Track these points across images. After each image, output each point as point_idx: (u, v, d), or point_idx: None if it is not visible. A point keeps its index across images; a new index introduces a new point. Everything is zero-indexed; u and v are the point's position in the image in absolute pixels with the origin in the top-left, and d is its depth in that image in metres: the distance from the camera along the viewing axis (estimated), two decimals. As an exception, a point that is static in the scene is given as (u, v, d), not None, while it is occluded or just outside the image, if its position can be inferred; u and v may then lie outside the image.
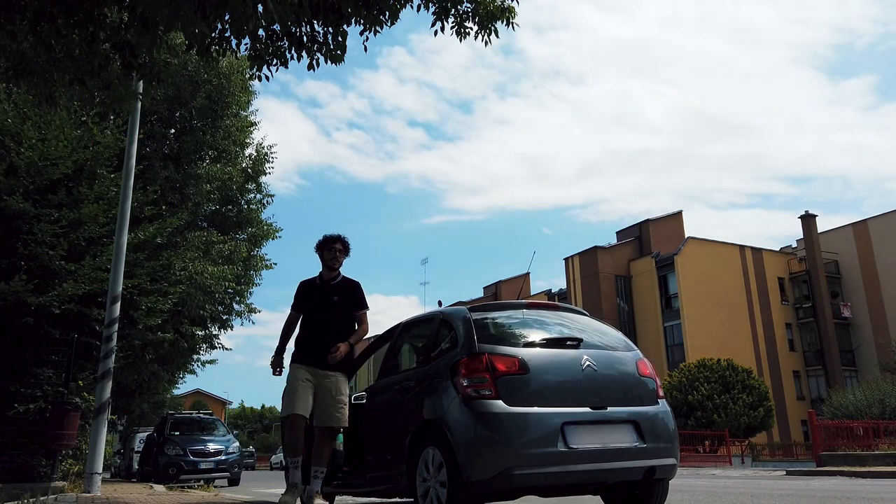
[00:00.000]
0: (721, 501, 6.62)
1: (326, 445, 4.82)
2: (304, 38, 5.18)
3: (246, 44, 5.11)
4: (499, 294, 49.11)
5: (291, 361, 4.99)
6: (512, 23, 5.89)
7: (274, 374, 5.10)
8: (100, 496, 7.71)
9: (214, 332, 17.97)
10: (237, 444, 16.97)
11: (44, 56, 5.12)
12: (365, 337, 5.17)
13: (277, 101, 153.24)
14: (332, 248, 5.10)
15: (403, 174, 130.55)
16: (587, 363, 4.35)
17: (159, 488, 10.61)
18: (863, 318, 39.31)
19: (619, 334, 5.03)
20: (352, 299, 5.10)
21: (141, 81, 7.28)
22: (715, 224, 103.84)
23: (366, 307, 5.16)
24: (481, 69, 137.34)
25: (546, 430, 4.01)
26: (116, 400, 16.26)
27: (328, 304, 5.03)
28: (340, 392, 4.88)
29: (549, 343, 4.46)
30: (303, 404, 4.73)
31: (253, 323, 20.42)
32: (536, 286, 49.34)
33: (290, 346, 5.35)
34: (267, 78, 5.39)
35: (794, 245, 43.13)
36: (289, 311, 5.35)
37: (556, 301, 25.68)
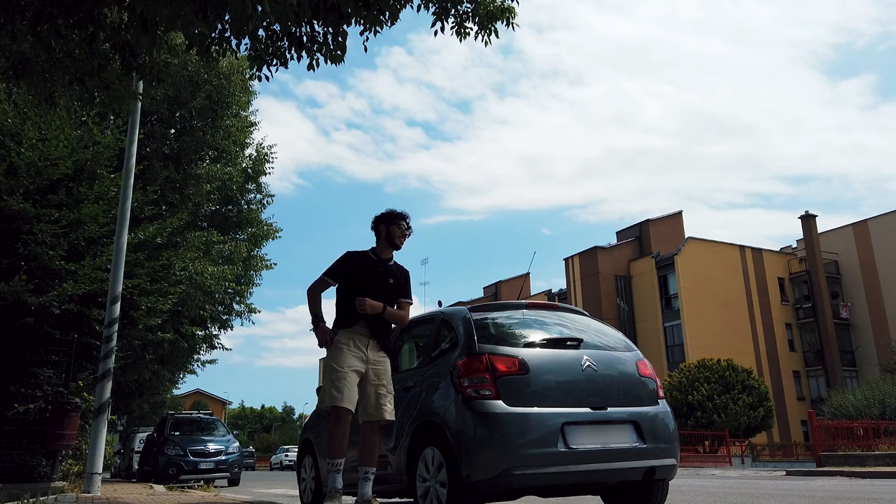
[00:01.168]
0: (721, 502, 6.62)
1: (375, 442, 4.24)
2: (304, 39, 5.18)
3: (246, 44, 5.11)
4: (499, 294, 49.09)
5: (341, 326, 4.38)
6: (512, 23, 5.89)
7: (322, 346, 4.43)
8: (100, 496, 7.71)
9: (214, 333, 18.00)
10: (237, 444, 16.97)
11: (44, 56, 5.12)
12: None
13: (276, 100, 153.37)
14: (401, 225, 4.52)
15: (402, 174, 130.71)
16: (587, 363, 4.35)
17: (159, 488, 10.61)
18: (863, 319, 39.29)
19: (619, 334, 5.02)
20: (402, 288, 4.60)
21: (141, 82, 7.29)
22: (714, 224, 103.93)
23: (412, 300, 4.67)
24: (480, 69, 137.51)
25: (546, 430, 4.01)
26: (116, 400, 16.29)
27: (384, 287, 4.48)
28: (390, 380, 4.34)
29: (550, 343, 4.46)
30: (351, 396, 4.15)
31: (253, 323, 20.43)
32: (536, 286, 49.35)
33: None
34: (267, 78, 5.39)
35: (794, 245, 43.13)
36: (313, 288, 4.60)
37: (556, 301, 25.69)
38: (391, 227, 4.51)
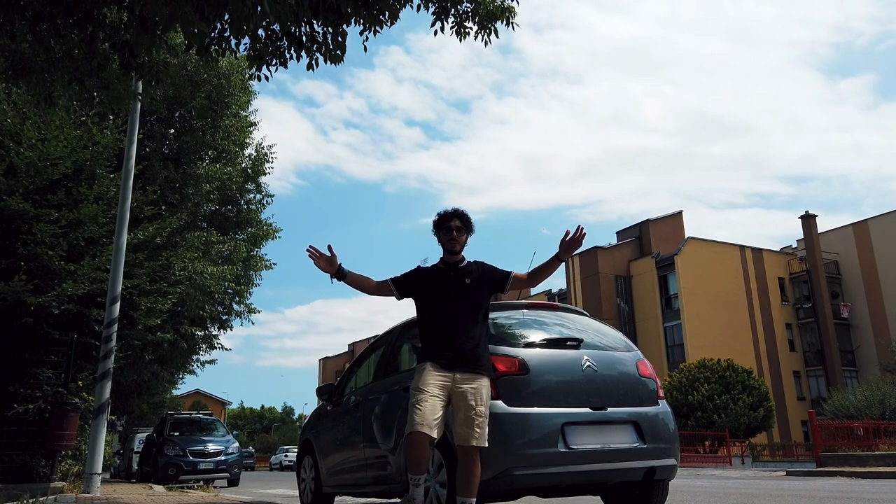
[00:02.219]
0: (721, 502, 6.62)
1: (471, 470, 3.75)
2: (304, 38, 5.18)
3: (245, 44, 5.11)
4: (498, 294, 49.00)
5: (423, 359, 3.96)
6: (512, 23, 5.89)
7: (310, 249, 4.06)
8: (99, 497, 7.71)
9: (214, 333, 18.00)
10: (237, 444, 16.97)
11: (43, 56, 5.12)
12: (536, 274, 4.17)
13: (274, 100, 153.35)
14: (449, 228, 4.06)
15: (401, 174, 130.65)
16: (587, 364, 4.34)
17: (159, 489, 10.61)
18: (863, 319, 39.29)
19: (619, 335, 5.02)
20: (489, 281, 4.11)
21: (140, 81, 7.29)
22: (714, 224, 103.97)
23: (510, 270, 4.20)
24: (479, 68, 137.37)
25: (546, 430, 4.00)
26: (116, 400, 16.27)
27: (461, 289, 4.03)
28: (482, 402, 3.79)
29: (550, 343, 4.45)
30: (429, 420, 3.67)
31: (252, 323, 20.42)
32: (536, 286, 49.28)
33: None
34: (266, 78, 5.39)
35: (794, 245, 43.14)
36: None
37: (556, 301, 25.69)
38: (439, 234, 4.12)
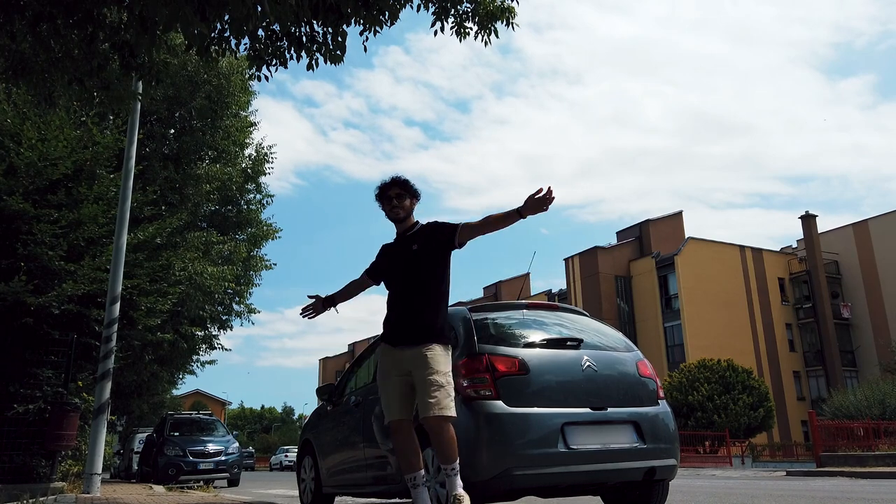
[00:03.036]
0: (721, 502, 6.62)
1: (442, 438, 3.58)
2: (304, 39, 5.18)
3: (245, 44, 5.11)
4: (499, 294, 49.09)
5: (379, 339, 3.97)
6: (512, 23, 5.89)
7: (303, 313, 4.22)
8: (99, 497, 7.71)
9: (214, 333, 18.00)
10: (237, 444, 16.98)
11: (43, 56, 5.12)
12: (490, 222, 3.83)
13: (274, 100, 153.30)
14: (388, 197, 3.94)
15: (401, 174, 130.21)
16: (587, 364, 4.34)
17: (159, 489, 10.61)
18: (863, 319, 39.29)
19: (619, 335, 5.02)
20: (437, 240, 3.87)
21: (140, 82, 7.30)
22: (714, 224, 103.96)
23: (457, 223, 3.90)
24: (479, 68, 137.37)
25: (546, 430, 4.00)
26: (116, 400, 16.28)
27: (409, 257, 3.88)
28: (433, 370, 3.61)
29: (550, 343, 4.45)
30: (399, 405, 3.66)
31: (252, 323, 20.41)
32: (536, 286, 49.33)
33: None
34: (266, 78, 5.39)
35: (794, 245, 43.14)
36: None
37: (556, 301, 25.65)
38: (382, 205, 4.01)
